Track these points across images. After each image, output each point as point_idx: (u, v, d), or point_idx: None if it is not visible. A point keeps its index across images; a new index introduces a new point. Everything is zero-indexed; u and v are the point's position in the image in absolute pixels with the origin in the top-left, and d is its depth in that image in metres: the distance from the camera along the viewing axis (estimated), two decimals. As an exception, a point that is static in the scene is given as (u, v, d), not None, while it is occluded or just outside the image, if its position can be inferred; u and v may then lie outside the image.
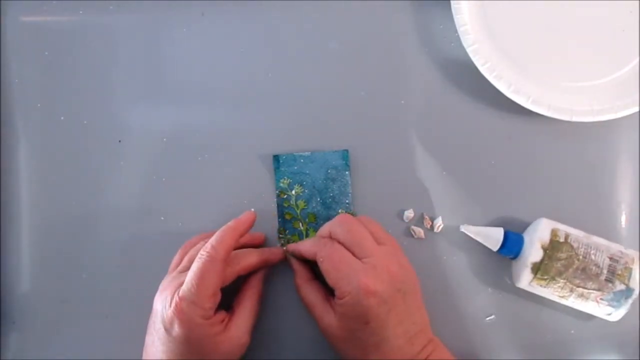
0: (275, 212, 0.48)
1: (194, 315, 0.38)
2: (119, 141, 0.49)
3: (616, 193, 0.48)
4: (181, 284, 0.39)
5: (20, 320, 0.48)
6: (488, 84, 0.46)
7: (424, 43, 0.49)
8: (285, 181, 0.48)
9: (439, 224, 0.47)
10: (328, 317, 0.40)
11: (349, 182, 0.48)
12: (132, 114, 0.49)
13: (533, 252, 0.43)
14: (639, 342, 0.47)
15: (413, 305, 0.40)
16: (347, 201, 0.48)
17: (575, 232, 0.44)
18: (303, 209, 0.48)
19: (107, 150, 0.49)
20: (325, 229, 0.42)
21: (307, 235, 0.47)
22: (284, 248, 0.46)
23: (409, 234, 0.48)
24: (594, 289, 0.42)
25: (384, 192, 0.48)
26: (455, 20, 0.47)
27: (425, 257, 0.47)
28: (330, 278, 0.39)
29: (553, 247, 0.43)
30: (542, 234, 0.43)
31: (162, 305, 0.39)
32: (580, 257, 0.43)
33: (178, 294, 0.38)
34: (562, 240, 0.43)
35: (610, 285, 0.42)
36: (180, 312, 0.38)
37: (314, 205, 0.48)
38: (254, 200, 0.48)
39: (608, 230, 0.47)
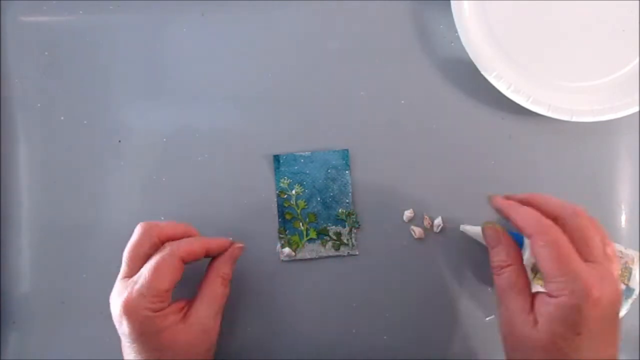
0: (276, 212, 0.48)
1: (141, 309, 0.36)
2: (119, 141, 0.49)
3: (616, 193, 0.48)
4: (134, 284, 0.38)
5: (20, 320, 0.48)
6: (488, 84, 0.46)
7: (424, 43, 0.49)
8: (285, 181, 0.48)
9: (439, 224, 0.47)
10: (527, 315, 0.34)
11: (349, 182, 0.48)
12: (132, 114, 0.49)
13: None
14: (639, 342, 0.47)
15: (616, 338, 0.34)
16: (347, 201, 0.48)
17: None
18: (303, 208, 0.48)
19: (107, 150, 0.49)
20: (551, 210, 0.36)
21: (307, 235, 0.47)
22: (489, 196, 0.40)
23: (409, 234, 0.48)
24: None
25: (384, 191, 0.48)
26: (455, 20, 0.47)
27: (425, 257, 0.47)
28: (549, 269, 0.33)
29: None
30: None
31: (113, 305, 0.38)
32: None
33: (128, 290, 0.37)
34: None
35: None
36: (127, 307, 0.36)
37: (314, 205, 0.48)
38: (254, 200, 0.48)
39: (608, 230, 0.47)
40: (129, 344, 0.38)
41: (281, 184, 0.48)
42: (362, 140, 0.48)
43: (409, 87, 0.49)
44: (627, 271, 0.43)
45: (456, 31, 0.47)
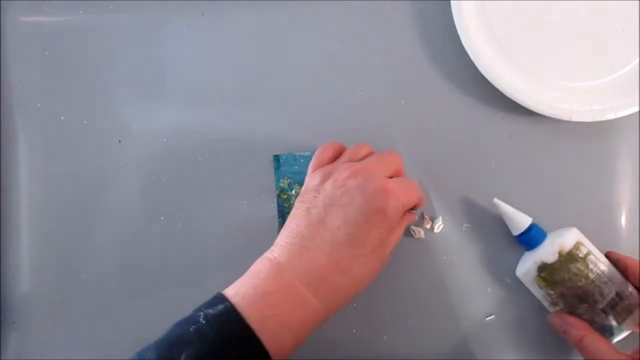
0: (276, 212, 0.48)
1: (400, 202, 0.39)
2: (119, 141, 0.49)
3: (616, 193, 0.48)
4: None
5: (20, 320, 0.48)
6: (488, 84, 0.46)
7: (424, 43, 0.49)
8: (285, 181, 0.48)
9: (439, 224, 0.47)
10: None
11: (349, 182, 0.48)
12: (132, 114, 0.49)
13: (549, 252, 0.42)
14: (639, 342, 0.47)
15: None
16: (347, 201, 0.48)
17: (598, 256, 0.43)
18: (303, 209, 0.48)
19: (107, 150, 0.49)
20: None
21: None
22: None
23: (409, 234, 0.48)
24: (585, 314, 0.42)
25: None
26: (455, 20, 0.47)
27: (425, 257, 0.47)
28: None
29: (569, 257, 0.42)
30: (566, 240, 0.42)
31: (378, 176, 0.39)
32: (589, 279, 0.42)
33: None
34: (581, 255, 0.42)
35: (603, 316, 0.41)
36: (393, 189, 0.38)
37: (314, 205, 0.48)
38: (254, 200, 0.48)
39: (608, 230, 0.47)
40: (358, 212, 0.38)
41: (281, 184, 0.48)
42: (361, 140, 0.48)
43: (409, 87, 0.49)
44: (626, 312, 0.41)
45: (456, 31, 0.47)
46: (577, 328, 0.41)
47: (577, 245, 0.42)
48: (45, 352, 0.48)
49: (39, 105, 0.50)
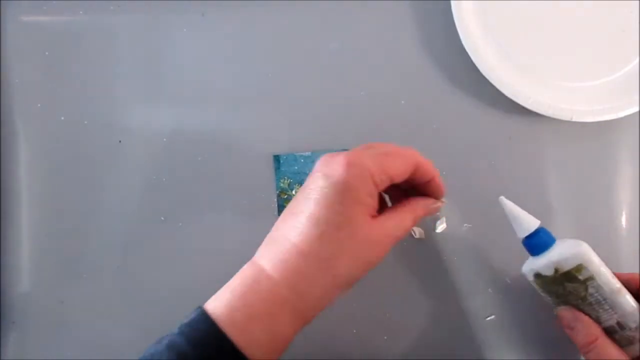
0: (276, 213, 0.48)
1: (366, 167, 0.33)
2: (119, 141, 0.49)
3: (616, 193, 0.48)
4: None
5: (20, 320, 0.48)
6: (488, 84, 0.46)
7: (424, 43, 0.49)
8: (285, 181, 0.48)
9: (442, 224, 0.47)
10: None
11: (349, 182, 0.48)
12: (132, 114, 0.49)
13: (546, 264, 0.40)
14: (639, 342, 0.47)
15: None
16: (347, 201, 0.48)
17: (604, 281, 0.38)
18: (303, 209, 0.48)
19: (107, 150, 0.49)
20: None
21: None
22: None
23: (410, 234, 0.48)
24: None
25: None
26: (455, 20, 0.47)
27: (426, 257, 0.47)
28: None
29: (566, 276, 0.39)
30: (566, 260, 0.39)
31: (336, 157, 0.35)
32: (587, 301, 0.39)
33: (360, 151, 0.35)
34: (580, 278, 0.38)
35: None
36: (355, 159, 0.34)
37: (314, 205, 0.48)
38: (255, 200, 0.48)
39: (608, 230, 0.47)
40: (323, 189, 0.34)
41: (281, 184, 0.48)
42: (362, 140, 0.48)
43: (409, 87, 0.49)
44: (625, 341, 0.39)
45: (456, 31, 0.47)
46: (590, 328, 0.39)
47: (579, 268, 0.38)
48: (45, 352, 0.48)
49: (39, 105, 0.50)
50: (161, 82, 0.50)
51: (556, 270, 0.39)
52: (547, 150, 0.48)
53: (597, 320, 0.39)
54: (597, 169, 0.48)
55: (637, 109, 0.46)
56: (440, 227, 0.47)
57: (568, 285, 0.39)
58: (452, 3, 0.47)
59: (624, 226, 0.48)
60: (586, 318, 0.39)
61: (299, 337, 0.47)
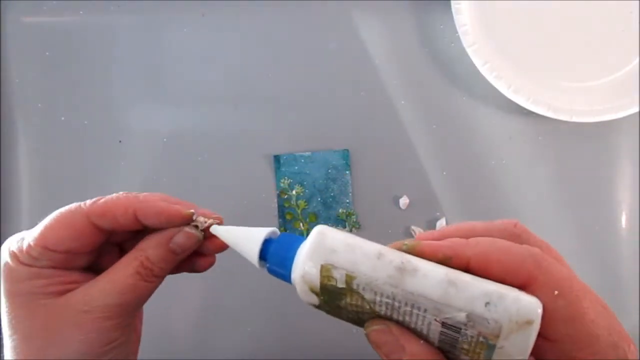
0: (276, 213, 0.48)
1: (18, 261, 0.27)
2: (119, 141, 0.49)
3: (616, 193, 0.48)
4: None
5: (20, 320, 0.48)
6: (488, 84, 0.46)
7: (424, 43, 0.49)
8: (285, 181, 0.48)
9: (441, 224, 0.47)
10: None
11: (350, 182, 0.48)
12: (132, 114, 0.49)
13: (306, 293, 0.25)
14: (639, 342, 0.47)
15: None
16: (347, 201, 0.48)
17: (369, 274, 0.23)
18: (304, 209, 0.48)
19: (107, 150, 0.49)
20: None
21: (307, 235, 0.47)
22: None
23: (409, 234, 0.48)
24: None
25: (384, 191, 0.48)
26: (455, 20, 0.47)
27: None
28: None
29: (330, 295, 0.24)
30: (309, 271, 0.24)
31: None
32: (382, 313, 0.24)
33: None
34: (341, 285, 0.24)
35: None
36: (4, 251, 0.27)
37: (314, 205, 0.48)
38: (255, 200, 0.48)
39: (608, 230, 0.47)
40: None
41: (281, 184, 0.48)
42: (362, 140, 0.48)
43: (409, 87, 0.49)
44: (480, 346, 0.22)
45: (456, 31, 0.47)
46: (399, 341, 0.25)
47: (327, 274, 0.24)
48: (45, 352, 0.48)
49: (39, 105, 0.49)
50: (161, 82, 0.50)
51: (315, 292, 0.25)
52: (547, 150, 0.48)
53: (423, 336, 0.24)
54: (597, 169, 0.48)
55: (637, 109, 0.46)
56: (440, 227, 0.47)
57: (350, 305, 0.25)
58: (452, 3, 0.47)
59: (624, 226, 0.48)
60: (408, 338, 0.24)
61: (298, 337, 0.47)
